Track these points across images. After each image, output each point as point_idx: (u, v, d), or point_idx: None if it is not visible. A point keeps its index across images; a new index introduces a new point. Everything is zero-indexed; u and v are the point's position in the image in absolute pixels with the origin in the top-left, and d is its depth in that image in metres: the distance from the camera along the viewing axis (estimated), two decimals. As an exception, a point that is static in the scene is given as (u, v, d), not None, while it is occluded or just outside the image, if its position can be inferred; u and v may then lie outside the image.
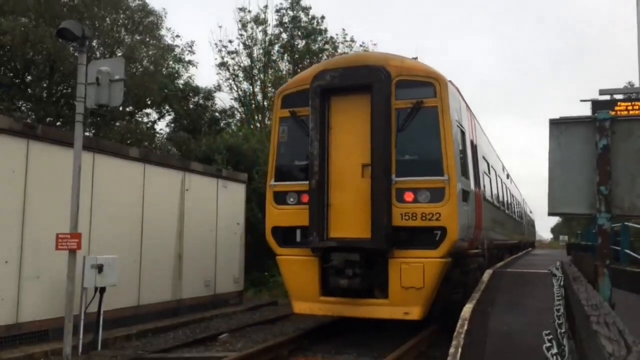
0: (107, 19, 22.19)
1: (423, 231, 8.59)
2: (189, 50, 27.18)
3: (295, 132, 9.52)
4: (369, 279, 8.79)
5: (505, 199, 17.51)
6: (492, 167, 13.92)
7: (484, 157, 12.44)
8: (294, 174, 9.60)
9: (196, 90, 28.97)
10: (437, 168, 8.64)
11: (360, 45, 33.21)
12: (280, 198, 9.46)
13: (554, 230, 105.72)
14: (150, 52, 23.36)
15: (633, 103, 14.95)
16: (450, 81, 9.33)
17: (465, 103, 10.82)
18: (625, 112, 14.16)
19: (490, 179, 13.39)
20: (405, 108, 8.81)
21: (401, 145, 8.79)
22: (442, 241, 8.51)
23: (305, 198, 9.13)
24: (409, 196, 8.65)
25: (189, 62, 27.59)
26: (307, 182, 9.04)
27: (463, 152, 9.69)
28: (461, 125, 9.76)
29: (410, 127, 8.78)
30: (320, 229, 8.82)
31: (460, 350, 5.55)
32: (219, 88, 30.65)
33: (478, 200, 10.70)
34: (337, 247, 8.81)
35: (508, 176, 19.52)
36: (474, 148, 11.08)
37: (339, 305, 9.05)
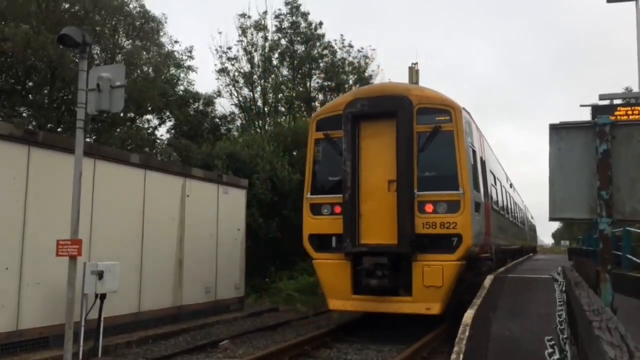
0: (108, 25, 22.27)
1: (442, 238, 9.89)
2: (188, 56, 27.24)
3: (328, 152, 10.98)
4: (395, 280, 10.06)
5: (509, 207, 18.82)
6: (497, 178, 15.23)
7: (491, 171, 13.71)
8: (328, 189, 10.95)
9: (196, 96, 29.02)
10: (453, 183, 9.96)
11: (359, 51, 33.36)
12: (316, 209, 10.84)
13: (555, 235, 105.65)
14: (150, 58, 23.41)
15: (633, 108, 14.95)
16: (463, 108, 10.65)
17: (475, 124, 12.08)
18: (625, 117, 14.16)
19: (496, 190, 14.65)
20: (425, 132, 10.20)
21: (422, 163, 10.12)
22: (458, 246, 9.81)
23: (337, 209, 10.49)
24: (429, 207, 9.96)
25: (189, 67, 27.66)
26: (340, 196, 10.39)
27: (474, 168, 11.00)
28: (472, 145, 11.08)
29: (430, 148, 10.16)
30: (352, 236, 10.17)
31: (461, 356, 5.54)
32: (219, 94, 30.72)
33: (487, 210, 12.09)
34: (368, 251, 10.12)
35: (511, 185, 20.77)
36: (483, 164, 12.38)
37: (368, 302, 10.35)
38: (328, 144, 10.95)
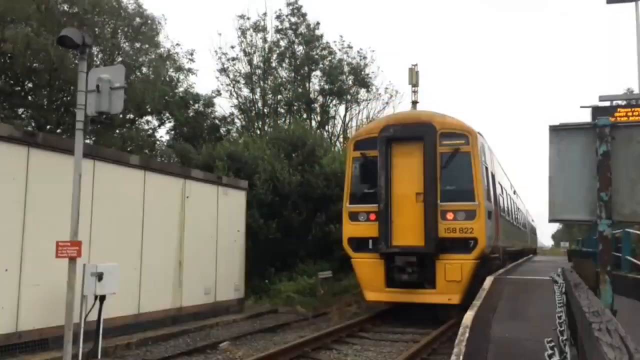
0: (107, 26, 22.27)
1: (461, 241, 11.66)
2: (189, 59, 27.23)
3: (364, 168, 12.77)
4: (422, 275, 11.80)
5: (513, 213, 20.81)
6: (504, 188, 17.18)
7: (499, 182, 15.59)
8: (364, 199, 12.62)
9: (197, 97, 29.01)
10: (470, 196, 11.80)
11: (358, 52, 33.40)
12: (354, 217, 12.58)
13: (555, 237, 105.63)
14: (149, 59, 23.40)
15: (633, 109, 14.94)
16: (478, 132, 12.49)
17: (487, 145, 13.88)
18: (625, 118, 14.15)
19: (503, 199, 16.49)
20: (446, 152, 12.01)
21: (444, 179, 11.93)
22: (474, 248, 11.65)
23: (372, 217, 12.24)
24: (450, 215, 11.73)
25: (189, 70, 27.66)
26: (375, 205, 12.18)
27: (487, 183, 12.80)
28: (485, 163, 12.86)
29: (451, 166, 11.98)
30: (386, 239, 12.00)
31: (461, 357, 5.53)
32: (218, 93, 30.73)
33: (497, 217, 14.01)
34: (399, 252, 11.92)
35: (515, 192, 22.72)
36: (493, 177, 14.23)
37: (399, 294, 12.15)
38: (364, 162, 12.76)
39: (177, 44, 29.05)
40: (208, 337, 11.39)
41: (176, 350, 9.97)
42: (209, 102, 29.57)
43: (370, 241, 12.23)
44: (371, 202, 12.30)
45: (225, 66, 31.26)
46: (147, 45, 23.64)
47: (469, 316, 7.53)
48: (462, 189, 11.89)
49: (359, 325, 12.35)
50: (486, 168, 12.89)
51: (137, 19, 22.83)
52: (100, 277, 9.00)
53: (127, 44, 22.98)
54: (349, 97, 33.38)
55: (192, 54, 27.32)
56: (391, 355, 9.59)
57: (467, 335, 6.48)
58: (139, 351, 9.96)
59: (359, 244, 12.48)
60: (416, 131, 12.20)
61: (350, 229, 12.68)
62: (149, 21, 23.27)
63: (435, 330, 11.09)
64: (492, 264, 13.93)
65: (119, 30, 22.82)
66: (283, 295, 17.95)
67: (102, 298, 9.23)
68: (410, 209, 12.01)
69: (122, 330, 10.59)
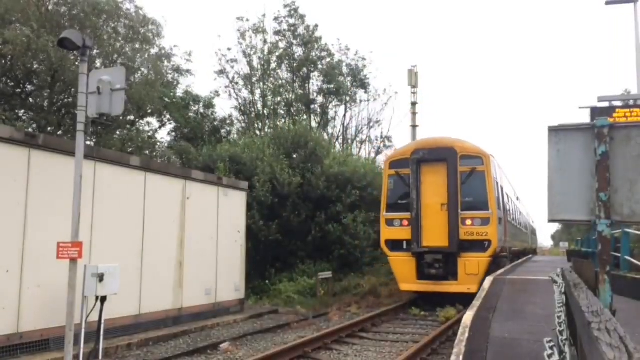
0: (107, 28, 22.27)
1: (477, 242, 14.40)
2: (187, 59, 27.26)
3: (398, 183, 15.64)
4: (446, 270, 14.59)
5: (517, 218, 23.80)
6: (510, 197, 20.09)
7: (506, 193, 18.51)
8: (398, 208, 15.40)
9: (197, 98, 29.02)
10: (485, 206, 14.54)
11: (356, 54, 33.48)
12: (390, 222, 15.47)
13: (554, 237, 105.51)
14: (149, 60, 23.39)
15: (631, 110, 14.94)
16: (491, 155, 15.29)
17: (497, 163, 16.68)
18: (624, 119, 14.15)
19: (509, 206, 19.35)
20: (465, 171, 14.78)
21: (464, 192, 14.69)
22: (488, 248, 14.39)
23: (405, 222, 15.13)
24: (469, 222, 14.50)
25: (187, 71, 27.67)
26: (407, 213, 15.09)
27: (497, 194, 15.45)
28: (496, 179, 15.58)
29: (469, 182, 14.70)
30: (417, 241, 14.84)
31: (461, 357, 5.55)
32: (217, 94, 30.77)
33: (505, 222, 16.94)
34: (428, 251, 14.76)
35: (518, 198, 25.55)
36: (502, 189, 16.99)
37: (428, 285, 14.86)
38: (398, 178, 15.69)
39: (175, 46, 29.07)
40: (208, 338, 11.41)
41: (177, 351, 9.99)
42: (209, 104, 29.58)
43: (404, 242, 15.12)
44: (404, 211, 15.17)
45: (224, 68, 31.31)
46: (147, 47, 23.64)
47: (468, 316, 7.55)
48: (478, 200, 14.63)
49: (359, 325, 12.38)
50: (497, 183, 15.66)
51: (137, 21, 22.81)
52: (101, 277, 9.01)
53: (127, 46, 22.97)
54: (347, 98, 33.44)
55: (189, 55, 27.38)
56: (391, 355, 9.61)
57: (467, 335, 6.50)
58: (140, 352, 9.98)
59: (394, 245, 15.38)
60: (441, 154, 15.04)
61: (387, 233, 15.55)
62: (150, 24, 23.26)
63: (435, 331, 11.11)
64: (501, 261, 17.24)
65: (119, 32, 22.81)
66: (283, 296, 17.97)
67: (103, 299, 9.23)
68: (436, 216, 14.90)
69: (123, 330, 10.61)
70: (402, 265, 15.16)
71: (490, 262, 14.63)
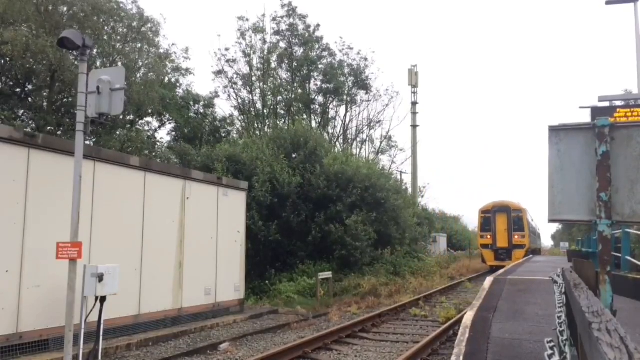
0: (106, 27, 22.26)
1: (520, 245, 33.97)
2: (184, 57, 27.21)
3: (485, 221, 34.80)
4: (507, 256, 33.47)
5: (534, 232, 43.09)
6: (530, 223, 38.07)
7: (531, 221, 38.75)
8: (486, 230, 34.72)
9: (196, 98, 29.00)
10: (523, 231, 34.06)
11: (358, 53, 33.43)
12: (482, 237, 35.05)
13: (554, 237, 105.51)
14: (149, 60, 23.38)
15: (632, 109, 14.94)
16: (525, 208, 35.42)
17: (528, 210, 37.30)
18: (625, 119, 14.15)
19: (531, 228, 38.27)
20: (515, 216, 34.08)
21: (514, 224, 33.95)
22: (524, 247, 34.21)
23: (489, 236, 34.42)
24: (516, 236, 33.89)
25: (187, 69, 27.63)
26: (490, 232, 34.39)
27: (528, 224, 35.54)
28: (528, 218, 36.11)
29: (516, 221, 34.01)
30: (494, 244, 34.16)
31: (461, 358, 5.53)
32: (216, 94, 30.74)
33: (529, 236, 35.34)
34: (499, 248, 34.02)
35: (532, 219, 42.37)
36: (529, 222, 36.65)
37: (498, 262, 32.74)
38: (485, 219, 34.58)
39: (173, 44, 29.04)
40: (208, 338, 11.40)
41: (176, 351, 9.98)
42: (209, 104, 29.56)
43: (489, 244, 33.99)
44: (488, 231, 33.98)
45: (224, 68, 31.28)
46: (146, 46, 23.63)
47: (469, 316, 7.54)
48: (520, 228, 33.59)
49: (359, 325, 12.36)
50: (527, 220, 34.86)
51: (136, 21, 22.80)
52: (100, 278, 8.99)
53: (127, 46, 22.96)
54: (348, 98, 33.41)
55: (187, 51, 27.29)
56: (391, 355, 9.59)
57: (467, 335, 6.49)
58: (139, 352, 9.96)
59: (484, 245, 34.40)
60: (504, 209, 33.94)
61: (481, 240, 35.06)
62: (149, 24, 23.26)
63: (436, 331, 11.10)
64: (528, 253, 34.89)
65: (119, 31, 22.80)
66: (283, 296, 17.95)
67: (103, 299, 9.22)
68: (503, 235, 33.61)
69: (123, 331, 10.59)
70: (488, 254, 34.21)
71: (525, 254, 33.64)
